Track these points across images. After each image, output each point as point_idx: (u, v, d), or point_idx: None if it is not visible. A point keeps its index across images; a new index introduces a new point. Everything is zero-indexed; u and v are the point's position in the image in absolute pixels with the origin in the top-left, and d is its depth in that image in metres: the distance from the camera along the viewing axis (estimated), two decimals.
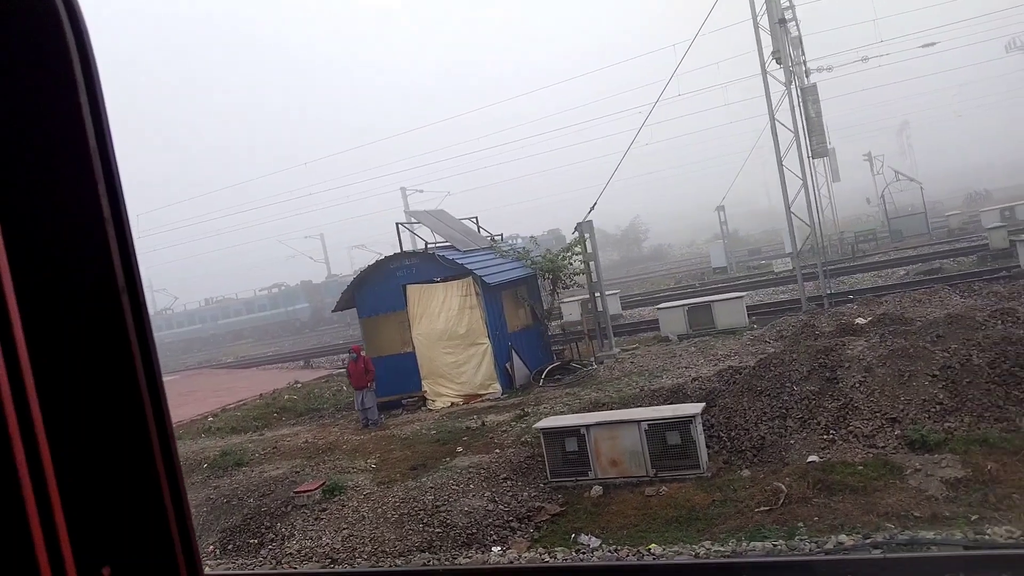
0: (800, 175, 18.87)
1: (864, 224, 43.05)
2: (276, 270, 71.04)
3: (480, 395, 16.49)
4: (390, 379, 17.20)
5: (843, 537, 7.50)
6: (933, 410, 9.30)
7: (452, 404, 16.50)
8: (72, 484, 0.83)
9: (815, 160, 22.88)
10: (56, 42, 0.86)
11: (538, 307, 18.52)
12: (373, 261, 18.43)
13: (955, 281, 18.14)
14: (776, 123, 17.98)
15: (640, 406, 11.97)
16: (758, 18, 17.75)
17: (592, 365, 17.20)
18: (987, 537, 6.94)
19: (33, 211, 0.86)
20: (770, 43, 17.86)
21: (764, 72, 17.85)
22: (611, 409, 12.44)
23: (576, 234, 19.38)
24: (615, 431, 10.41)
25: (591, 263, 19.33)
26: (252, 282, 68.08)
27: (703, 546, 8.14)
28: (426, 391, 16.87)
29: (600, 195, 19.59)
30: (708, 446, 10.45)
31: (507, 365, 16.71)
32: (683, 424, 10.08)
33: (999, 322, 11.13)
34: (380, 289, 17.28)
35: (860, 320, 13.54)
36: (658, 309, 21.02)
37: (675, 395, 12.38)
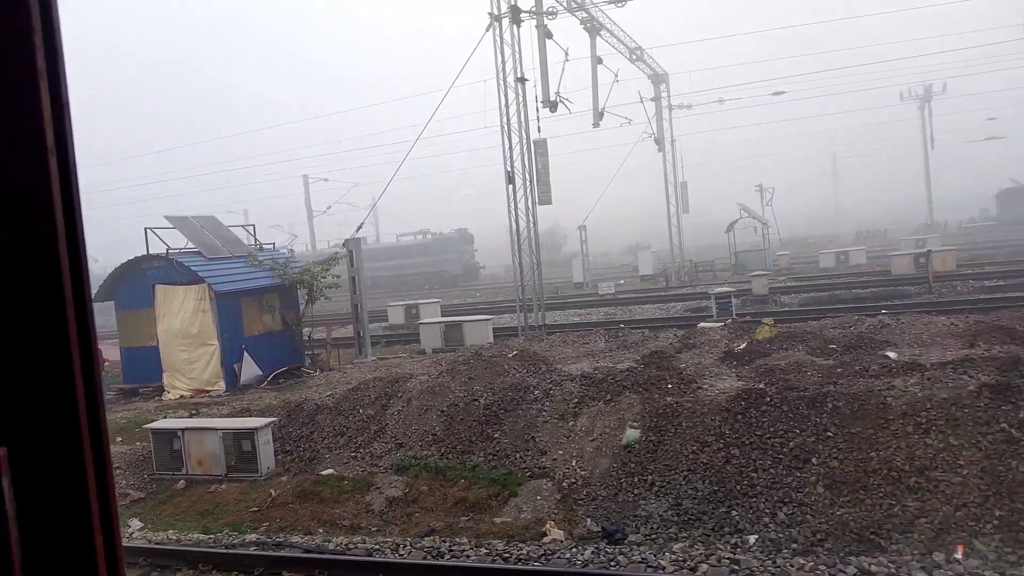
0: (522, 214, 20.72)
1: (710, 256, 45.36)
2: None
3: (207, 390, 18.33)
4: (139, 368, 19.14)
5: (290, 536, 9.47)
6: (427, 440, 11.32)
7: (182, 396, 18.33)
8: None
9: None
10: None
11: (289, 314, 20.34)
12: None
13: (649, 325, 20.27)
14: (514, 171, 19.90)
15: None
16: (501, 75, 19.65)
17: (316, 373, 19.13)
18: (331, 544, 8.92)
19: None
20: (509, 97, 19.75)
21: (502, 125, 19.77)
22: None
23: (343, 248, 21.25)
24: (202, 436, 12.31)
25: (355, 277, 21.25)
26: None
27: (188, 533, 10.07)
28: (165, 382, 18.70)
29: (368, 214, 21.43)
30: (286, 453, 12.41)
31: (235, 366, 18.55)
32: (250, 434, 12.02)
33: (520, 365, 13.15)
34: (134, 286, 19.02)
35: (509, 354, 15.53)
36: (419, 324, 22.95)
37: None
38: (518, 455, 10.64)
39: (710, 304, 21.98)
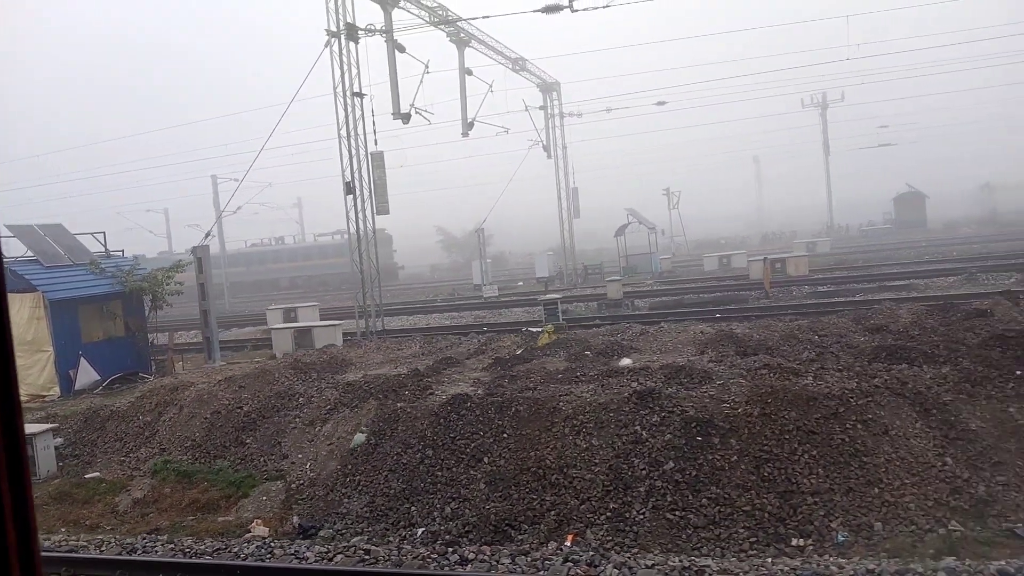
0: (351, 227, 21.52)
1: (595, 259, 46.77)
2: (113, 241, 71.44)
3: (42, 396, 18.74)
4: None
5: None
6: (186, 445, 12.06)
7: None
8: None
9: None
10: None
11: (134, 320, 20.80)
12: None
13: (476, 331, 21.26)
14: (355, 181, 20.64)
15: None
16: (337, 90, 20.38)
17: (151, 378, 19.65)
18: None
19: None
20: (347, 111, 20.50)
21: (339, 138, 20.50)
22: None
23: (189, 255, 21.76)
24: None
25: (204, 284, 21.77)
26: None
27: None
28: None
29: (216, 222, 21.94)
30: (74, 457, 13.02)
31: (71, 371, 18.98)
32: (28, 440, 12.61)
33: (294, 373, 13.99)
34: None
35: (307, 359, 16.34)
36: (272, 330, 23.58)
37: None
38: (262, 459, 11.45)
39: (581, 306, 23.10)
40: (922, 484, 8.02)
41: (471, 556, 7.88)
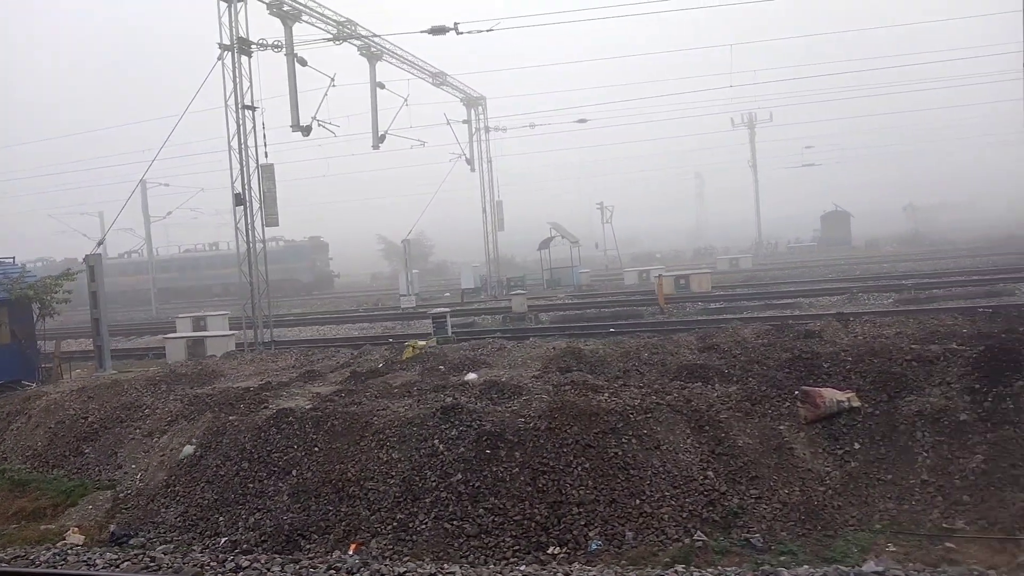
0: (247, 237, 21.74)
1: (519, 271, 47.47)
2: (43, 244, 70.29)
3: None
4: None
5: None
6: (27, 454, 12.21)
7: None
8: None
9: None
10: None
11: (20, 328, 20.68)
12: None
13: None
14: (247, 192, 20.84)
15: None
16: (228, 101, 20.61)
17: (33, 386, 19.59)
18: None
19: None
20: (239, 123, 20.73)
21: (229, 150, 20.72)
22: None
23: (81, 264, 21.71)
24: None
25: (96, 292, 21.73)
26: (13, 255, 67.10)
27: None
28: None
29: (109, 228, 22.00)
30: None
31: None
32: None
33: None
34: None
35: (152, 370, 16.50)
36: (165, 339, 23.64)
37: None
38: (98, 468, 11.66)
39: (486, 319, 23.50)
40: (681, 496, 8.60)
41: (245, 564, 8.22)
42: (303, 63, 23.16)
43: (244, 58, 20.51)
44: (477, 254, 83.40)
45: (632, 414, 9.49)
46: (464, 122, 38.14)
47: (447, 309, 22.81)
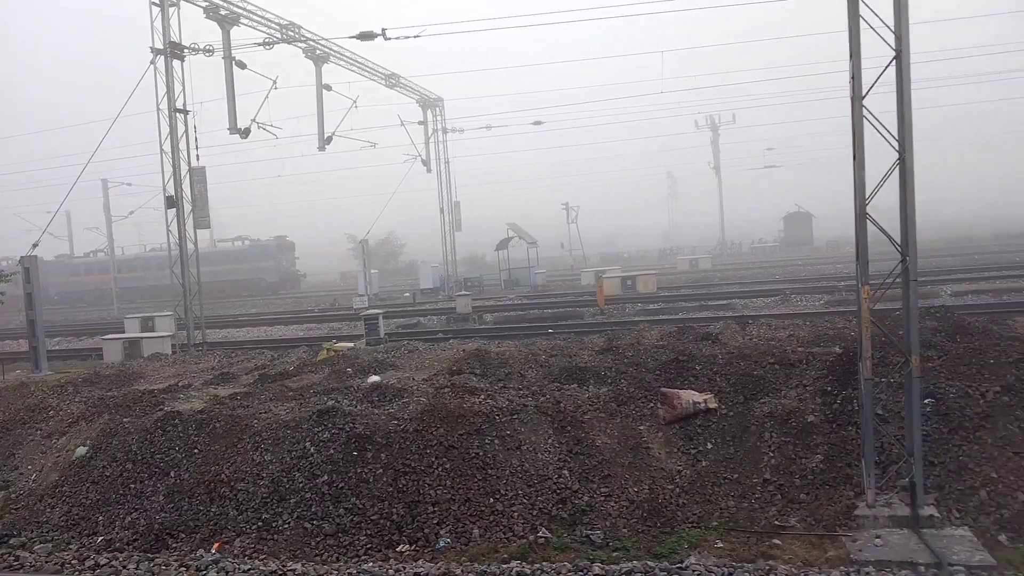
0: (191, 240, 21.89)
1: (476, 271, 47.82)
2: (11, 243, 69.78)
3: None
4: None
5: None
6: None
7: None
8: None
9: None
10: None
11: None
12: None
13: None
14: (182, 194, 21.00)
15: None
16: (160, 105, 20.75)
17: None
18: None
19: None
20: (177, 126, 20.87)
21: (161, 153, 20.87)
22: None
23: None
24: None
25: (31, 294, 21.81)
26: None
27: None
28: None
29: (44, 230, 22.08)
30: None
31: None
32: None
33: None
34: None
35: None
36: (102, 340, 23.74)
37: None
38: None
39: (432, 320, 23.76)
40: (534, 495, 8.94)
41: (103, 562, 8.47)
42: (242, 66, 23.31)
43: (177, 62, 20.64)
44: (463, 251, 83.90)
45: (498, 416, 9.81)
46: (420, 123, 38.36)
47: (380, 311, 23.04)
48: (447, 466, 9.23)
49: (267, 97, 24.28)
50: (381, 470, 9.32)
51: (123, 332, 30.09)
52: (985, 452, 8.48)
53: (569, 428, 9.79)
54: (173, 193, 20.86)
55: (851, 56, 7.94)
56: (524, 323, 25.52)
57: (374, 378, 13.54)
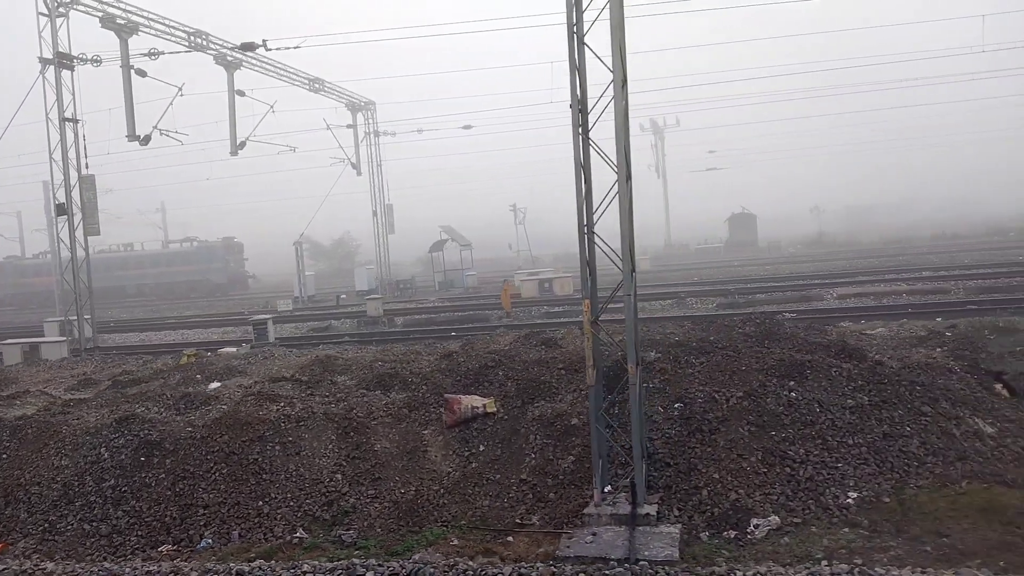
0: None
1: (408, 273, 48.34)
2: None
3: None
4: None
5: None
6: None
7: None
8: None
9: None
10: None
11: None
12: None
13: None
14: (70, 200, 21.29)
15: None
16: (50, 113, 21.05)
17: None
18: None
19: None
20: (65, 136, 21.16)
21: (52, 161, 21.17)
22: None
23: None
24: None
25: None
26: None
27: None
28: None
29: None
30: None
31: None
32: None
33: None
34: None
35: None
36: (1, 344, 23.97)
37: None
38: None
39: (342, 323, 24.09)
40: (304, 498, 9.46)
41: None
42: (142, 74, 23.62)
43: (68, 72, 20.95)
44: (398, 253, 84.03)
45: (284, 423, 10.33)
46: (349, 127, 38.75)
47: (270, 316, 23.47)
48: (224, 471, 9.73)
49: (171, 104, 24.61)
50: (164, 475, 9.80)
51: (42, 336, 30.36)
52: (716, 454, 9.11)
53: (352, 434, 10.32)
54: (64, 201, 21.16)
55: (572, 89, 8.50)
56: (432, 326, 26.04)
57: (214, 384, 14.03)
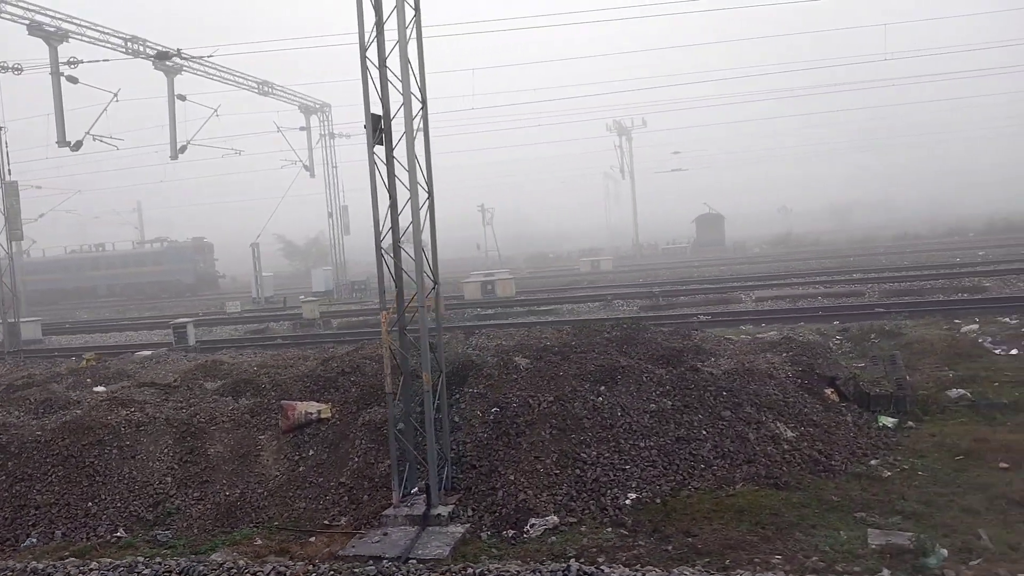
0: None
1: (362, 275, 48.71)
2: None
3: None
4: None
5: None
6: None
7: None
8: None
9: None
10: None
11: None
12: None
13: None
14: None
15: None
16: None
17: None
18: None
19: None
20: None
21: None
22: None
23: None
24: None
25: None
26: None
27: None
28: None
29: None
30: None
31: None
32: None
33: None
34: None
35: None
36: None
37: None
38: None
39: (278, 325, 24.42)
40: (133, 499, 9.92)
41: None
42: (73, 81, 24.04)
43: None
44: (358, 254, 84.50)
45: (124, 428, 10.79)
46: (302, 129, 39.17)
47: (190, 319, 23.92)
48: (60, 473, 10.20)
49: (105, 110, 25.02)
50: (4, 477, 10.26)
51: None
52: (517, 456, 9.58)
53: (189, 439, 10.79)
54: None
55: (366, 110, 8.96)
56: (364, 328, 26.49)
57: (99, 388, 14.48)
